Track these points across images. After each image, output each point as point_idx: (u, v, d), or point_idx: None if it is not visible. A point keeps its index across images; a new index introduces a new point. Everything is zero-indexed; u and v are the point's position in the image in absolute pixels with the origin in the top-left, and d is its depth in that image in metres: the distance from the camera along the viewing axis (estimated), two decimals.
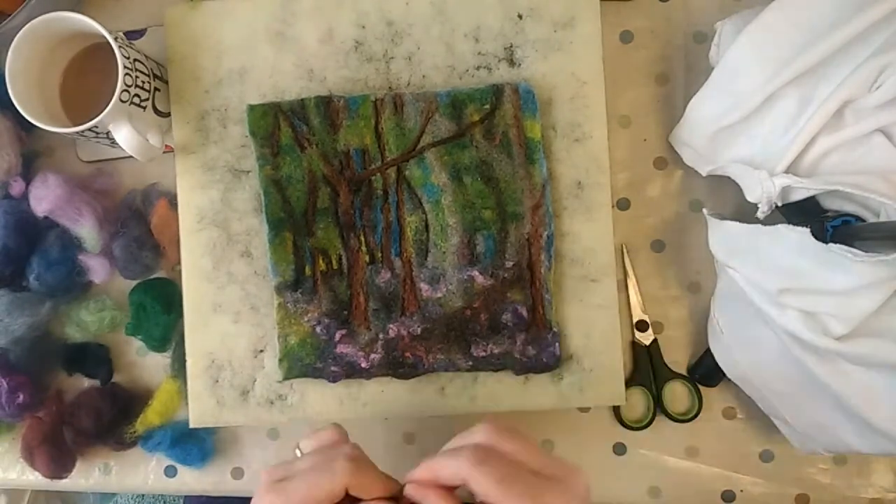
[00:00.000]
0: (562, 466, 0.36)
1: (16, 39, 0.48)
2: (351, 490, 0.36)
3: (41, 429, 0.55)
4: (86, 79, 0.53)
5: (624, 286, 0.56)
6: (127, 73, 0.47)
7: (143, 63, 0.50)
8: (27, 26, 0.48)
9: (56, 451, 0.55)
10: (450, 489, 0.36)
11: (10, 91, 0.48)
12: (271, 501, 0.36)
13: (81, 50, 0.53)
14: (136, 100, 0.49)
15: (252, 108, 0.52)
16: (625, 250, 0.56)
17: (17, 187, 0.54)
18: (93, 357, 0.57)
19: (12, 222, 0.53)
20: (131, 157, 0.57)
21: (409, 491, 0.37)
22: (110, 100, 0.47)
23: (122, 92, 0.47)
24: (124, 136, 0.48)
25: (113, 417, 0.55)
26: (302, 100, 0.52)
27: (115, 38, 0.47)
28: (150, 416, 0.56)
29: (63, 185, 0.53)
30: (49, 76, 0.52)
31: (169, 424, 0.56)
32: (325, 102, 0.52)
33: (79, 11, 0.57)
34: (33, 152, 0.58)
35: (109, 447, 0.57)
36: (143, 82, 0.50)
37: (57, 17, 0.48)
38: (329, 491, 0.36)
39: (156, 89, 0.52)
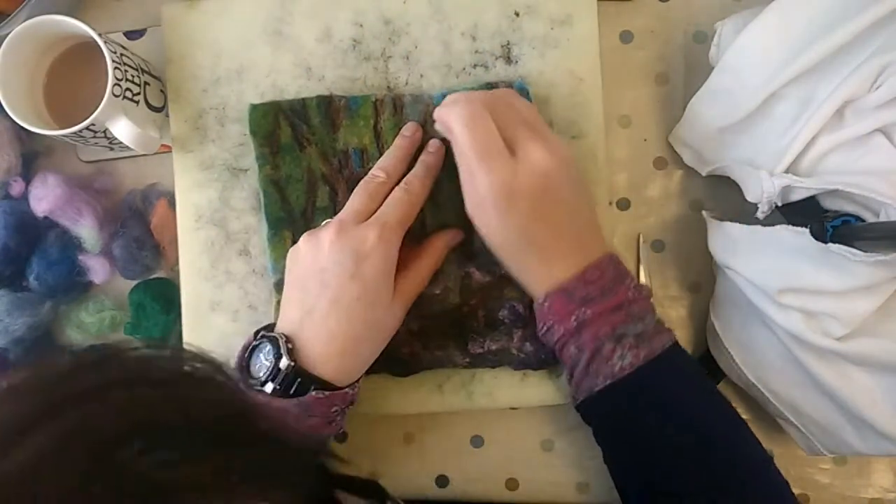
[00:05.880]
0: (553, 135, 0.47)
1: (4, 46, 0.48)
2: None
3: None
4: (68, 81, 0.52)
5: None
6: (116, 68, 0.47)
7: (129, 58, 0.50)
8: (13, 32, 0.47)
9: None
10: None
11: (2, 99, 0.47)
12: (374, 237, 0.45)
13: (62, 52, 0.52)
14: (129, 94, 0.49)
15: (254, 107, 0.52)
16: (640, 240, 0.55)
17: (17, 187, 0.55)
18: None
19: (12, 222, 0.53)
20: (131, 157, 0.57)
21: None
22: (99, 99, 0.46)
23: (113, 86, 0.47)
24: (122, 128, 0.48)
25: None
26: (303, 99, 0.52)
27: (100, 35, 0.47)
28: None
29: (63, 185, 0.53)
30: (35, 81, 0.52)
31: None
32: (326, 102, 0.52)
33: (78, 11, 0.57)
34: (33, 152, 0.58)
35: None
36: (133, 76, 0.50)
37: (43, 20, 0.47)
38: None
39: (146, 83, 0.51)
